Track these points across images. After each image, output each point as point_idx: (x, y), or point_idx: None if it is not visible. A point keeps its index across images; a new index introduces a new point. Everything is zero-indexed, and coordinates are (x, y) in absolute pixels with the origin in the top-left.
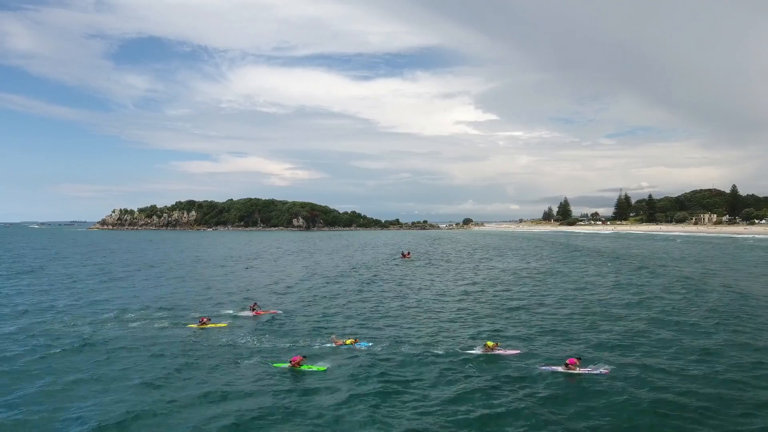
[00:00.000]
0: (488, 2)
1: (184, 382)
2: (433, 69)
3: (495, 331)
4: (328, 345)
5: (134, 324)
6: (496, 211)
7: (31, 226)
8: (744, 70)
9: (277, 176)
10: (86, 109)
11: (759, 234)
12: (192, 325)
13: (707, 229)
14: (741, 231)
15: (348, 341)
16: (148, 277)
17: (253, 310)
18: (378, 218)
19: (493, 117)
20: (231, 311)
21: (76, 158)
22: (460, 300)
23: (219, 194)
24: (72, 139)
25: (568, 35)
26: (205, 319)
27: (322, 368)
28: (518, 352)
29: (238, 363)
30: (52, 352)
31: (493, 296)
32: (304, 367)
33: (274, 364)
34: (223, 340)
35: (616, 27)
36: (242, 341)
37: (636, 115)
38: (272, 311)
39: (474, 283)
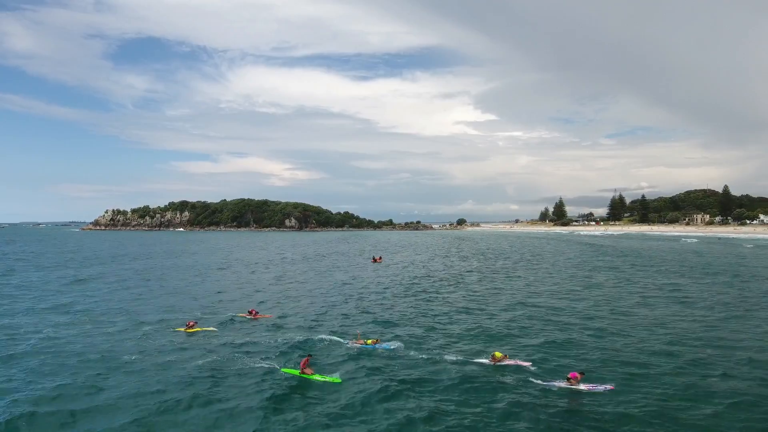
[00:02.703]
0: (488, 2)
1: (177, 392)
2: (433, 69)
3: (502, 339)
4: (349, 344)
5: (120, 330)
6: (496, 211)
7: (25, 226)
8: (744, 70)
9: (276, 176)
10: (86, 109)
11: (736, 234)
12: (180, 329)
13: (697, 229)
14: (730, 231)
15: (369, 341)
16: (131, 282)
17: (251, 313)
18: (376, 219)
19: (492, 117)
20: (226, 315)
21: (75, 158)
22: (466, 305)
23: (219, 194)
24: (72, 139)
25: (568, 35)
26: (192, 323)
27: (336, 380)
28: (528, 364)
29: (240, 369)
30: (35, 357)
31: (497, 301)
32: (318, 377)
33: (283, 369)
34: (220, 344)
35: (616, 27)
36: (242, 345)
37: (636, 115)
38: (267, 315)
39: (469, 285)
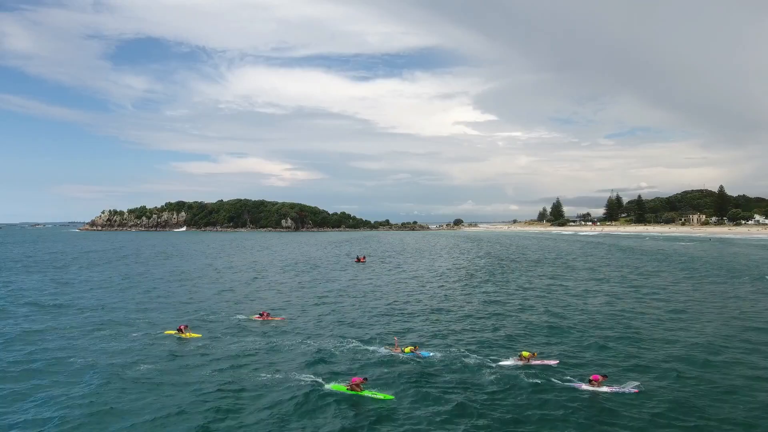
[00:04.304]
0: (487, 3)
1: (196, 407)
2: (432, 69)
3: (526, 339)
4: (384, 352)
5: (115, 335)
6: (496, 211)
7: (22, 227)
8: (742, 70)
9: (276, 177)
10: (85, 109)
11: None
12: (170, 332)
13: (692, 229)
14: (725, 231)
15: (407, 349)
16: (124, 285)
17: (262, 315)
18: (375, 219)
19: (492, 117)
20: (236, 317)
21: (76, 159)
22: (484, 306)
23: (219, 195)
24: (72, 139)
25: (567, 36)
26: (183, 327)
27: (389, 396)
28: (555, 362)
29: (271, 382)
30: (18, 361)
31: (513, 301)
32: (368, 393)
33: (330, 386)
34: (238, 350)
35: (615, 28)
36: (265, 353)
37: (635, 116)
38: (279, 318)
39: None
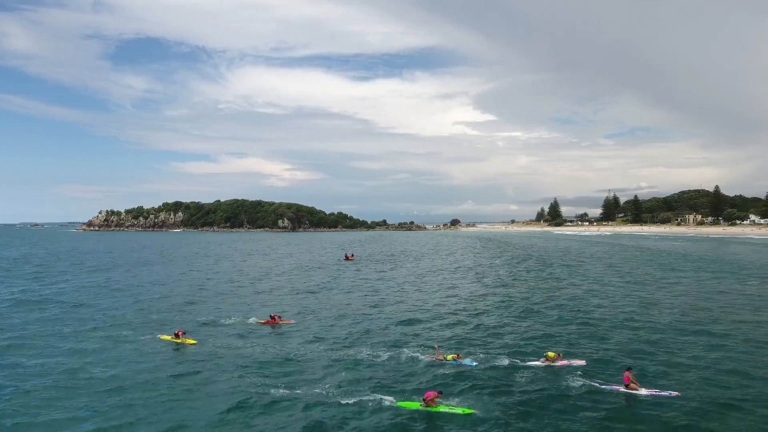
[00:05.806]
0: (487, 3)
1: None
2: (432, 69)
3: (550, 340)
4: (428, 360)
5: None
6: (496, 211)
7: (21, 227)
8: (742, 70)
9: (276, 177)
10: (85, 109)
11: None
12: (166, 337)
13: (687, 229)
14: (720, 232)
15: (449, 356)
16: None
17: (273, 318)
18: (377, 219)
19: (492, 117)
20: (245, 321)
21: (77, 159)
22: (503, 307)
23: (220, 195)
24: (72, 139)
25: (567, 36)
26: (180, 333)
27: (468, 411)
28: (582, 362)
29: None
30: (3, 368)
31: (531, 302)
32: (444, 409)
33: (400, 404)
34: (259, 356)
35: (615, 27)
36: (289, 361)
37: (635, 116)
38: (290, 321)
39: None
